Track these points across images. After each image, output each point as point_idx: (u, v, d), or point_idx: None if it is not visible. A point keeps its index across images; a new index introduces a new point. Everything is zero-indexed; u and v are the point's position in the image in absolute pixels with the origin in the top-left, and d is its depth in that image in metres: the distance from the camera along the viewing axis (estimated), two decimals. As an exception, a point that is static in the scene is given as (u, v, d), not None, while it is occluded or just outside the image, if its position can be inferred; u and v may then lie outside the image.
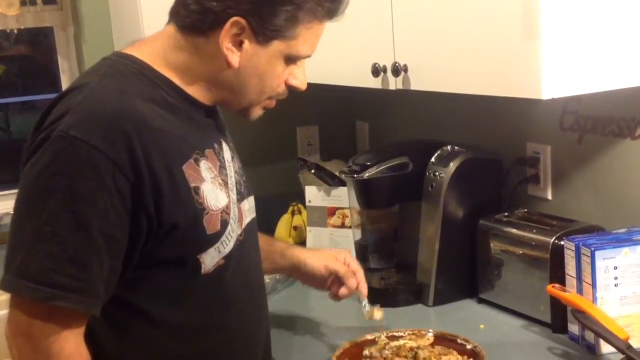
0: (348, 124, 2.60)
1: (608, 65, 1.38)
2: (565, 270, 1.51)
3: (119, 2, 2.28)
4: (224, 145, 1.25)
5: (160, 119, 1.10)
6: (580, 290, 1.47)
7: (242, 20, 1.09)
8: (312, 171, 2.18)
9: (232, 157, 1.27)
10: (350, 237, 2.02)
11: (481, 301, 1.77)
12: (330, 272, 1.52)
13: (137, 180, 1.04)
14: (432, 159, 1.80)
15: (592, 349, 1.46)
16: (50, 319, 1.03)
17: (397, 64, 1.65)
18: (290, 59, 1.17)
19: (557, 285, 1.51)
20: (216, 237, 1.15)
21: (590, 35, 1.35)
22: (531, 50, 1.33)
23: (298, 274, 1.57)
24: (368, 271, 1.92)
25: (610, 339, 1.36)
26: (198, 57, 1.14)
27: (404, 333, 1.51)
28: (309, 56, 1.20)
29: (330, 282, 1.54)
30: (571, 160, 1.75)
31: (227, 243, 1.17)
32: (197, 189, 1.12)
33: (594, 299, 1.44)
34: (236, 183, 1.25)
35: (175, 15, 1.16)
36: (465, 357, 1.41)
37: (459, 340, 1.46)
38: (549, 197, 1.82)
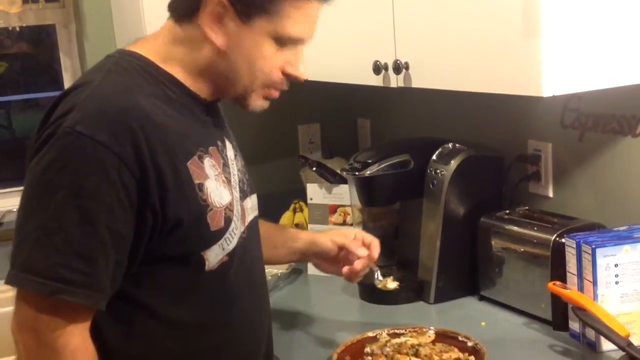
0: (349, 121, 2.60)
1: (609, 62, 1.38)
2: (566, 267, 1.51)
3: (121, 0, 2.29)
4: (227, 144, 1.26)
5: (164, 116, 1.10)
6: (581, 288, 1.47)
7: None
8: (314, 169, 2.18)
9: (235, 155, 1.28)
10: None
11: (482, 299, 1.77)
12: (338, 245, 1.51)
13: (142, 175, 1.05)
14: (434, 157, 1.81)
15: (593, 347, 1.46)
16: (56, 313, 1.04)
17: (398, 62, 1.65)
18: (281, 41, 1.14)
19: (558, 282, 1.51)
20: (220, 234, 1.15)
21: (590, 33, 1.35)
22: (532, 48, 1.33)
23: (312, 254, 1.56)
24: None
25: (611, 337, 1.36)
26: (191, 46, 1.15)
27: (405, 330, 1.51)
28: (302, 40, 1.16)
29: (342, 263, 1.52)
30: (572, 157, 1.75)
31: (231, 240, 1.18)
32: (201, 186, 1.12)
33: (595, 297, 1.44)
34: (239, 181, 1.25)
35: (172, 7, 1.17)
36: (467, 354, 1.41)
37: (460, 338, 1.46)
38: (550, 194, 1.82)
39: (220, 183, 1.17)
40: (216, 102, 1.24)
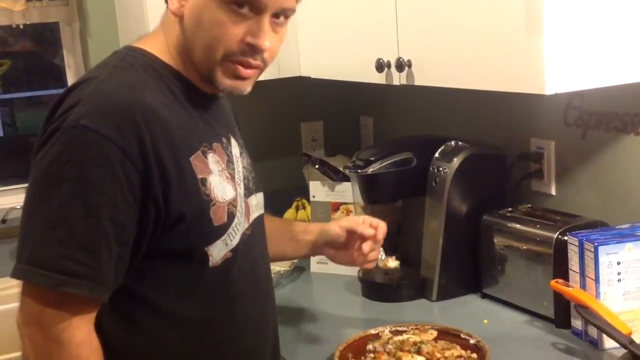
0: (352, 119, 2.60)
1: (612, 60, 1.38)
2: (569, 265, 1.51)
3: (124, -2, 2.29)
4: (233, 141, 1.26)
5: (169, 111, 1.11)
6: (583, 286, 1.47)
7: None
8: (316, 166, 2.18)
9: (241, 153, 1.28)
10: (354, 232, 2.02)
11: (485, 296, 1.77)
12: (346, 230, 1.52)
13: (146, 169, 1.05)
14: (436, 155, 1.81)
15: (595, 344, 1.46)
16: (61, 306, 1.04)
17: (401, 59, 1.65)
18: (232, 2, 1.08)
19: (560, 280, 1.51)
20: (223, 229, 1.16)
21: (593, 31, 1.35)
22: (534, 46, 1.33)
23: (323, 244, 1.55)
24: (372, 266, 1.94)
25: (613, 334, 1.36)
26: (170, 29, 1.16)
27: (408, 328, 1.51)
28: (256, 1, 1.08)
29: (355, 250, 1.52)
30: (575, 155, 1.75)
31: (234, 236, 1.18)
32: (204, 181, 1.13)
33: (597, 294, 1.44)
34: (244, 178, 1.26)
35: None
36: (469, 351, 1.41)
37: (462, 335, 1.46)
38: (553, 192, 1.82)
39: (224, 179, 1.18)
40: (217, 96, 1.24)
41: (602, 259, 1.43)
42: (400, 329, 1.51)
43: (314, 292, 2.00)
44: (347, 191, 2.07)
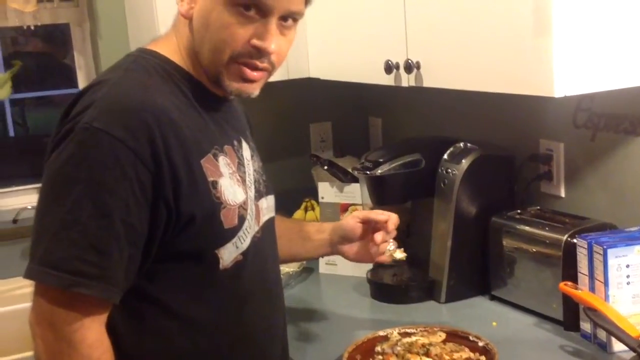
0: (361, 120, 2.61)
1: (621, 63, 1.38)
2: (578, 268, 1.51)
3: (134, -1, 2.30)
4: (244, 144, 1.27)
5: (180, 114, 1.12)
6: (592, 288, 1.47)
7: None
8: (325, 167, 2.19)
9: (252, 156, 1.29)
10: (362, 233, 2.02)
11: (493, 298, 1.77)
12: (360, 220, 1.52)
13: (157, 171, 1.06)
14: (445, 156, 1.81)
15: (604, 347, 1.46)
16: (73, 307, 1.05)
17: (409, 61, 1.65)
18: (239, 4, 1.09)
19: (569, 283, 1.51)
20: (233, 232, 1.16)
21: (602, 33, 1.35)
22: (543, 48, 1.32)
23: (338, 240, 1.54)
24: (380, 268, 1.94)
25: (622, 337, 1.36)
26: (181, 31, 1.17)
27: (416, 330, 1.51)
28: (263, 4, 1.09)
29: (369, 241, 1.52)
30: (584, 157, 1.75)
31: (245, 239, 1.19)
32: (215, 183, 1.13)
33: (606, 297, 1.44)
34: (255, 181, 1.26)
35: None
36: (477, 354, 1.41)
37: (470, 338, 1.46)
38: (562, 194, 1.81)
39: (235, 182, 1.18)
40: (228, 98, 1.24)
41: (611, 261, 1.43)
42: (408, 330, 1.51)
43: (323, 293, 2.00)
44: (356, 192, 2.07)
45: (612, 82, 1.39)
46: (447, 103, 2.09)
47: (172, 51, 1.18)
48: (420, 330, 1.51)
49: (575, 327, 1.54)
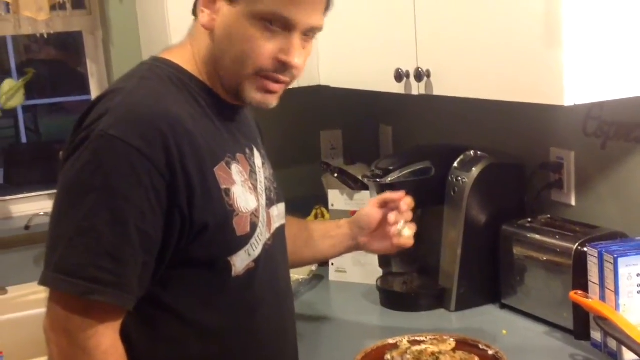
0: (371, 128, 2.61)
1: (630, 71, 1.38)
2: (588, 276, 1.51)
3: (146, 7, 2.32)
4: (255, 152, 1.28)
5: (194, 122, 1.13)
6: (602, 297, 1.47)
7: None
8: (335, 175, 2.19)
9: (263, 164, 1.29)
10: (372, 241, 2.02)
11: (503, 307, 1.77)
12: (378, 203, 1.50)
13: (172, 178, 1.07)
14: (455, 164, 1.81)
15: (615, 356, 1.45)
16: (88, 313, 1.06)
17: (420, 70, 1.66)
18: (262, 20, 1.11)
19: (579, 291, 1.51)
20: (246, 240, 1.17)
21: (612, 42, 1.35)
22: (553, 57, 1.33)
23: (358, 232, 1.53)
24: (390, 275, 1.94)
25: (633, 347, 1.36)
26: (200, 40, 1.18)
27: (426, 338, 1.51)
28: (288, 20, 1.11)
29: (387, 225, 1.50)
30: (595, 166, 1.74)
31: (257, 246, 1.19)
32: (227, 191, 1.14)
33: (617, 306, 1.43)
34: (266, 189, 1.27)
35: (193, 9, 1.20)
36: (487, 362, 1.41)
37: (480, 346, 1.46)
38: (573, 203, 1.81)
39: (247, 189, 1.19)
40: (241, 106, 1.25)
41: (622, 270, 1.43)
42: (418, 338, 1.51)
43: (333, 301, 2.00)
44: (366, 200, 2.06)
45: (622, 90, 1.39)
46: (457, 111, 2.09)
47: (186, 60, 1.19)
48: (430, 339, 1.51)
49: (586, 336, 1.54)
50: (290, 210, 1.42)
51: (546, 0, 1.33)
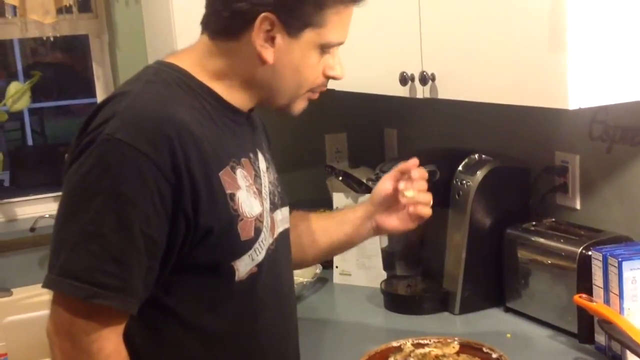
0: (376, 131, 2.61)
1: (636, 75, 1.38)
2: (593, 280, 1.50)
3: (152, 11, 2.33)
4: (260, 156, 1.28)
5: (200, 127, 1.12)
6: (607, 301, 1.46)
7: (271, 15, 1.12)
8: (340, 178, 2.19)
9: (268, 168, 1.29)
10: (377, 244, 2.02)
11: (508, 310, 1.77)
12: (393, 178, 1.46)
13: (177, 183, 1.07)
14: (460, 167, 1.81)
15: (619, 360, 1.45)
16: (92, 317, 1.06)
17: (424, 73, 1.66)
18: (323, 49, 1.19)
19: (584, 295, 1.50)
20: (250, 244, 1.17)
21: (617, 46, 1.35)
22: (558, 61, 1.33)
23: (374, 210, 1.48)
24: (394, 278, 1.94)
25: (637, 350, 1.35)
26: (233, 60, 1.18)
27: (430, 341, 1.51)
28: (341, 43, 1.21)
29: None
30: (600, 170, 1.74)
31: (260, 251, 1.19)
32: (232, 196, 1.14)
33: (621, 310, 1.43)
34: (270, 193, 1.27)
35: (207, 24, 1.19)
36: (491, 365, 1.41)
37: (484, 349, 1.46)
38: (577, 206, 1.81)
39: (251, 194, 1.19)
40: (251, 112, 1.26)
41: (626, 274, 1.42)
42: (422, 342, 1.51)
43: (337, 304, 2.01)
44: (371, 203, 2.07)
45: (627, 94, 1.39)
46: (462, 115, 2.09)
47: (191, 64, 1.19)
48: (434, 342, 1.51)
49: (590, 340, 1.54)
50: (295, 214, 1.42)
51: (551, 4, 1.33)
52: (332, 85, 2.10)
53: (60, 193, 1.11)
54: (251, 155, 1.24)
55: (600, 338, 1.50)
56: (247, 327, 1.22)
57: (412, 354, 1.46)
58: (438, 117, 2.27)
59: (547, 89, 1.37)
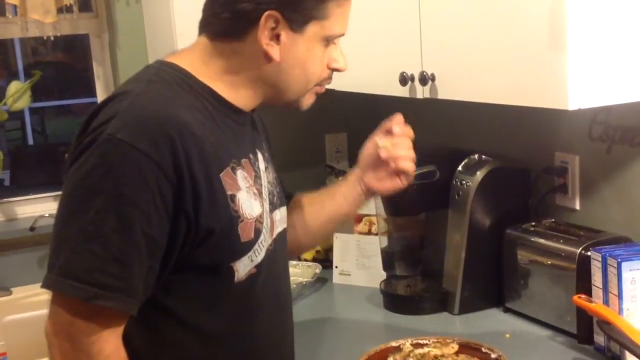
0: (376, 131, 2.61)
1: (636, 75, 1.38)
2: (592, 281, 1.51)
3: (153, 11, 2.33)
4: (259, 156, 1.27)
5: (201, 127, 1.12)
6: (606, 301, 1.47)
7: (275, 13, 1.12)
8: (340, 178, 2.19)
9: (267, 168, 1.29)
10: (376, 244, 2.03)
11: (507, 310, 1.77)
12: (379, 134, 1.47)
13: (179, 183, 1.07)
14: (459, 168, 1.81)
15: (618, 361, 1.45)
16: (92, 318, 1.05)
17: (424, 73, 1.66)
18: (327, 41, 1.19)
19: (583, 295, 1.51)
20: (249, 246, 1.17)
21: (617, 46, 1.35)
22: (558, 61, 1.33)
23: (362, 173, 1.47)
24: (394, 278, 1.94)
25: (636, 351, 1.35)
26: (237, 60, 1.17)
27: (429, 341, 1.51)
28: (343, 34, 1.22)
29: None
30: (599, 170, 1.74)
31: (259, 252, 1.19)
32: (233, 197, 1.14)
33: (620, 310, 1.43)
34: (269, 193, 1.27)
35: (207, 26, 1.19)
36: (490, 366, 1.41)
37: (483, 349, 1.46)
38: (577, 207, 1.81)
39: (252, 195, 1.19)
40: (253, 112, 1.26)
41: (625, 275, 1.42)
42: (421, 342, 1.51)
43: (336, 304, 2.01)
44: (370, 203, 2.07)
45: (627, 94, 1.39)
46: (462, 115, 2.09)
47: (192, 65, 1.18)
48: (433, 342, 1.51)
49: (589, 340, 1.54)
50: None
51: (551, 5, 1.33)
52: (332, 85, 2.11)
53: (60, 192, 1.10)
54: (251, 155, 1.24)
55: (600, 338, 1.50)
56: (246, 327, 1.22)
57: (411, 354, 1.46)
58: (438, 117, 2.27)
59: (547, 89, 1.37)
